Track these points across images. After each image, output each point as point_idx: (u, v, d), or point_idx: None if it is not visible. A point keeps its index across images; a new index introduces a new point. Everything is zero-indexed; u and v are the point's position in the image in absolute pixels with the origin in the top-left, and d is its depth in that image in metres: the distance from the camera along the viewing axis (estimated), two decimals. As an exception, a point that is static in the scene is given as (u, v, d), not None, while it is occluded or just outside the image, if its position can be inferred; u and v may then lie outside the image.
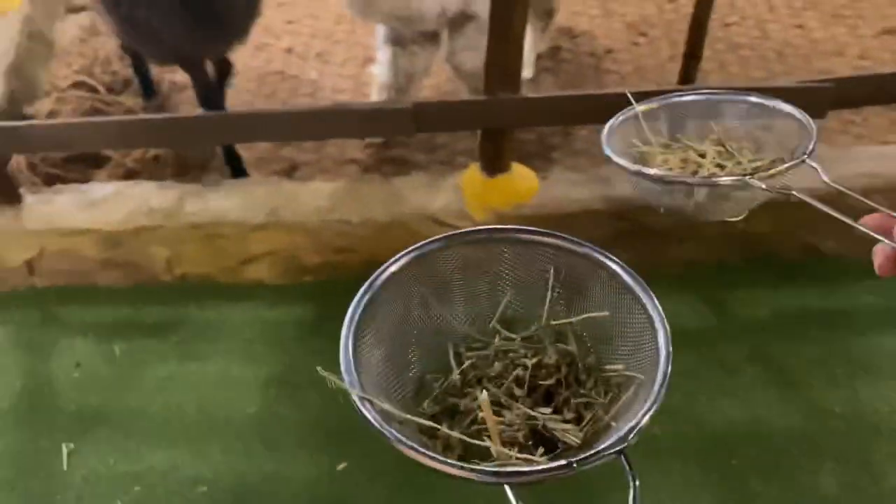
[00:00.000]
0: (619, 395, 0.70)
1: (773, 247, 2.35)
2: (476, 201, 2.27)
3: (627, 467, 0.58)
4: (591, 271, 0.76)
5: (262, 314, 2.34)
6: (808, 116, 0.86)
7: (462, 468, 0.60)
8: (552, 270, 0.77)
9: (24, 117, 2.88)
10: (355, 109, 2.17)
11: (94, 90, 3.08)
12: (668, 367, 0.64)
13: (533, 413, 0.71)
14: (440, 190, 2.32)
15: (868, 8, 3.42)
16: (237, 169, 2.56)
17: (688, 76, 2.44)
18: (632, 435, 0.59)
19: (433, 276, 0.77)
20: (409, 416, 0.68)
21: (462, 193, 2.30)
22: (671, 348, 0.66)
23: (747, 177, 0.80)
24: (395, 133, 2.46)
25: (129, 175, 2.67)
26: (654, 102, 0.97)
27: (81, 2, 3.55)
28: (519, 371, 0.76)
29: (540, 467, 0.61)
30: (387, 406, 0.66)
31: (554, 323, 0.77)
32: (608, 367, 0.74)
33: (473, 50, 2.32)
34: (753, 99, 0.93)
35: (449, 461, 0.61)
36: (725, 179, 0.83)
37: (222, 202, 2.33)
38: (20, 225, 2.35)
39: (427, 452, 0.61)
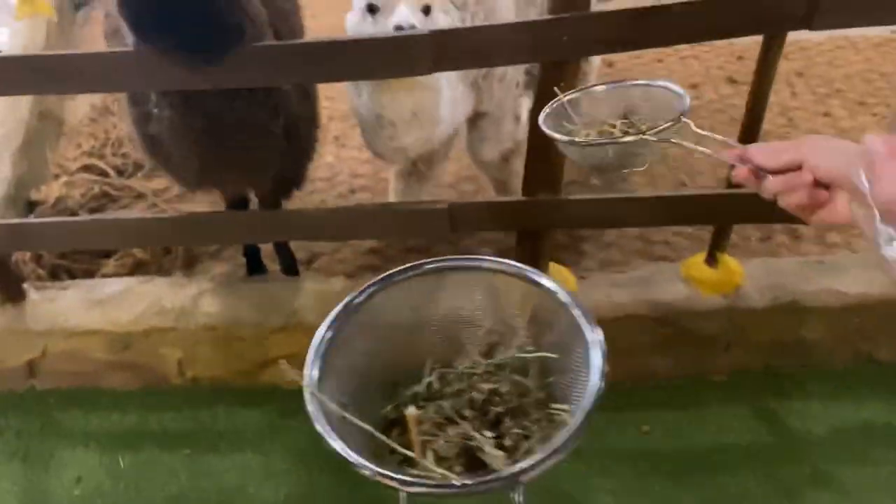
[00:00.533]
0: (556, 432, 0.74)
1: (825, 354, 2.21)
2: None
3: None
4: (557, 308, 0.85)
5: (282, 423, 2.17)
6: (684, 91, 1.13)
7: (370, 469, 0.71)
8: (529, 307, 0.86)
9: (31, 204, 2.76)
10: (391, 210, 2.06)
11: (104, 174, 2.97)
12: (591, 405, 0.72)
13: (472, 434, 0.79)
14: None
15: (893, 96, 3.38)
16: (290, 268, 2.43)
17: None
18: (525, 474, 0.65)
19: (414, 303, 0.90)
20: (352, 419, 0.78)
21: (496, 295, 2.16)
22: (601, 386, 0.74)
23: (642, 135, 1.06)
24: (431, 234, 2.34)
25: (138, 265, 2.53)
26: (577, 93, 1.26)
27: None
28: (475, 394, 0.85)
29: (433, 482, 0.69)
30: (333, 406, 0.79)
31: (517, 356, 0.86)
32: (554, 405, 0.81)
33: (489, 141, 2.26)
34: (642, 82, 1.21)
35: (363, 462, 0.72)
36: (627, 138, 1.09)
37: (240, 302, 2.18)
38: (23, 324, 2.19)
39: (346, 451, 0.73)
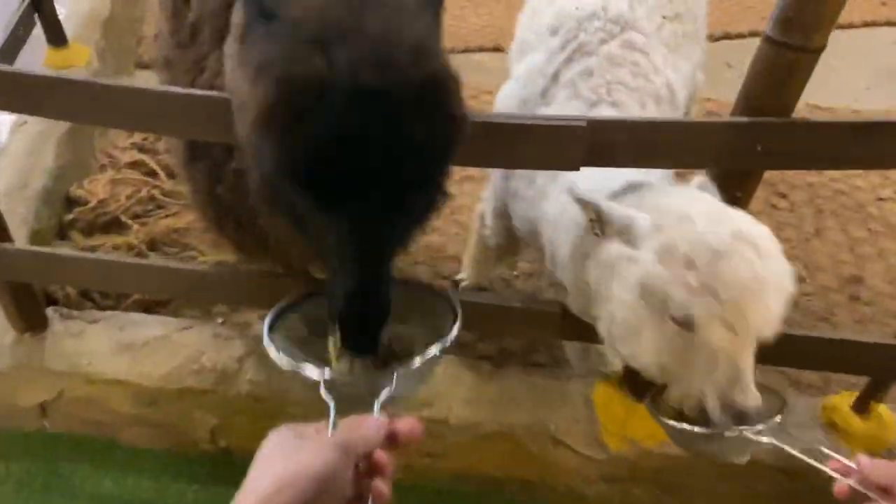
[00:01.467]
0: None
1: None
2: (614, 427, 1.78)
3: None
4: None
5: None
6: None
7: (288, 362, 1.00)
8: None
9: (70, 201, 2.46)
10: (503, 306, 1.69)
11: (152, 173, 2.65)
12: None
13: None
14: (565, 401, 1.83)
15: None
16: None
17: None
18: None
19: None
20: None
21: (596, 412, 1.81)
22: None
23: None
24: (540, 333, 1.97)
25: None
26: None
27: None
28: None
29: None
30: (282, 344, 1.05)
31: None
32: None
33: None
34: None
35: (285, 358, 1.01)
36: (728, 433, 1.10)
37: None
38: (40, 360, 1.88)
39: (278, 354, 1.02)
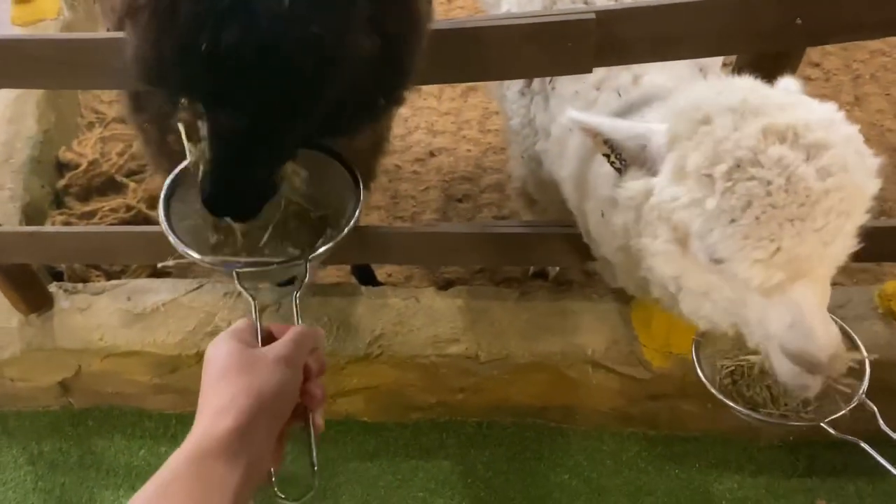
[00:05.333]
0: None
1: None
2: (656, 344, 1.67)
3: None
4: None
5: (355, 458, 1.81)
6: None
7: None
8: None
9: (61, 166, 2.34)
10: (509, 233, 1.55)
11: (143, 125, 2.51)
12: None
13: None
14: (602, 322, 1.72)
15: None
16: (368, 277, 2.02)
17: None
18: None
19: None
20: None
21: (635, 331, 1.69)
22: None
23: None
24: (561, 262, 1.83)
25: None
26: None
27: None
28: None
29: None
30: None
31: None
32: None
33: None
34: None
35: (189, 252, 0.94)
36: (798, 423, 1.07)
37: (312, 322, 1.76)
38: (51, 341, 1.81)
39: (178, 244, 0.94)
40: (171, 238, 0.96)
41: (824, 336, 0.84)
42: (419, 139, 2.56)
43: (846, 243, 0.86)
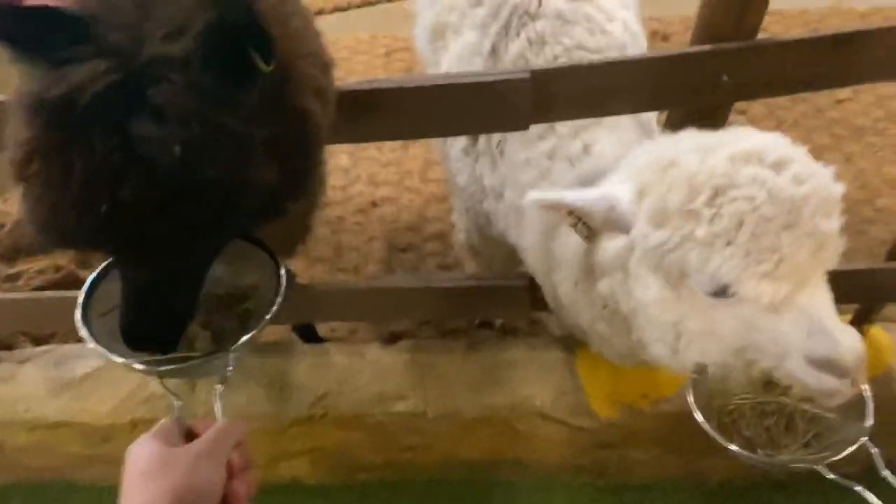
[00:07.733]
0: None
1: None
2: (602, 393, 1.67)
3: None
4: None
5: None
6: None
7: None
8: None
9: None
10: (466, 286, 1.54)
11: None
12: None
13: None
14: (551, 372, 1.71)
15: None
16: (312, 338, 1.96)
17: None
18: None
19: None
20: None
21: (581, 380, 1.69)
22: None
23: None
24: (508, 314, 1.83)
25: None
26: None
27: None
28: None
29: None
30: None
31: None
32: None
33: None
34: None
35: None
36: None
37: (251, 388, 1.70)
38: (-29, 414, 1.71)
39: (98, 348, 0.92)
40: (91, 344, 0.93)
41: (846, 337, 0.86)
42: (361, 190, 2.55)
43: (835, 244, 0.89)
